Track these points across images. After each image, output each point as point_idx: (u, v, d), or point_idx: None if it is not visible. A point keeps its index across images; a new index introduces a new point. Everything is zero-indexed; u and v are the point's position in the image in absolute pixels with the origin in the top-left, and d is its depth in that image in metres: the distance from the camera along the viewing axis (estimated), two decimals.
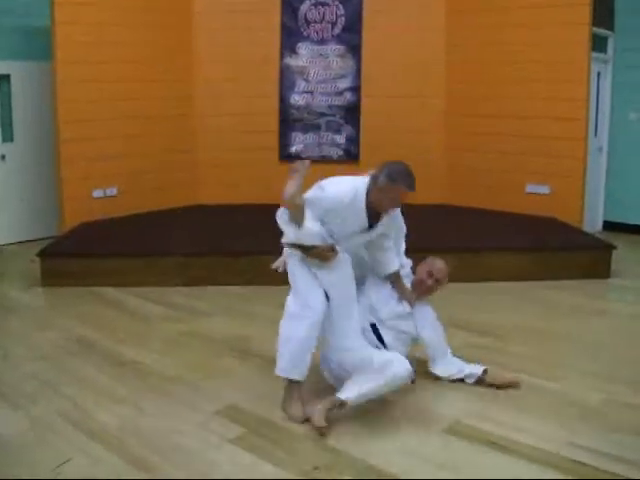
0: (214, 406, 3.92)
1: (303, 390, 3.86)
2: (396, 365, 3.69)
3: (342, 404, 3.66)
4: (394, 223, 4.07)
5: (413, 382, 4.08)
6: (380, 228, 3.91)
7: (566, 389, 4.16)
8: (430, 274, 4.16)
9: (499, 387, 4.18)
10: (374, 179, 3.74)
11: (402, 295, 4.16)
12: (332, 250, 3.76)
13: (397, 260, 4.15)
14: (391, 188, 3.67)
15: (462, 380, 4.23)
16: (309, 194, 3.73)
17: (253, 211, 8.39)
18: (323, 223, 3.73)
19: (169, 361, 4.62)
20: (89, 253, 6.50)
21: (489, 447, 3.47)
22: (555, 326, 5.38)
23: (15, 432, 3.61)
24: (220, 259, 6.47)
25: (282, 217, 3.79)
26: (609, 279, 6.66)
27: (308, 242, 3.73)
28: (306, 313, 3.79)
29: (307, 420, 3.69)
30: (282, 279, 6.13)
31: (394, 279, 4.16)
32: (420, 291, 4.19)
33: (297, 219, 3.70)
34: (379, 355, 3.81)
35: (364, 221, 3.81)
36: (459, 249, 6.67)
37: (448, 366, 4.27)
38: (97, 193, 7.83)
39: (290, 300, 3.92)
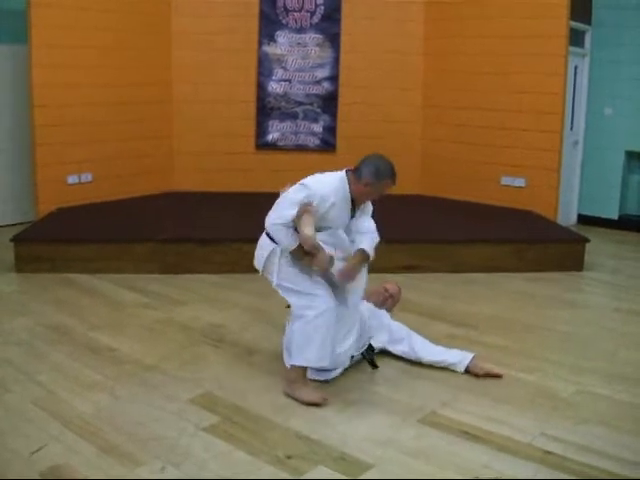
0: (189, 394, 3.92)
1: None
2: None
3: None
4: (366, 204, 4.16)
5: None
6: (358, 213, 4.06)
7: (539, 380, 4.22)
8: (386, 289, 4.78)
9: (479, 376, 4.23)
10: (357, 174, 3.86)
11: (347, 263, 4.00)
12: (330, 260, 3.81)
13: (368, 243, 3.98)
14: (378, 183, 3.84)
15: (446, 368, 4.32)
16: (298, 195, 3.75)
17: (229, 198, 8.39)
18: (317, 220, 3.81)
19: (145, 349, 4.61)
20: (64, 239, 6.43)
21: (462, 437, 3.50)
22: (529, 318, 5.43)
23: None
24: (195, 246, 6.45)
25: (275, 226, 3.78)
26: (582, 272, 6.72)
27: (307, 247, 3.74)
28: (315, 303, 3.83)
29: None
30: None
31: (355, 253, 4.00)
32: (374, 299, 4.62)
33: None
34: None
35: (349, 213, 3.99)
36: (434, 240, 6.72)
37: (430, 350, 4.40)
38: (72, 179, 7.77)
39: (296, 302, 3.91)
